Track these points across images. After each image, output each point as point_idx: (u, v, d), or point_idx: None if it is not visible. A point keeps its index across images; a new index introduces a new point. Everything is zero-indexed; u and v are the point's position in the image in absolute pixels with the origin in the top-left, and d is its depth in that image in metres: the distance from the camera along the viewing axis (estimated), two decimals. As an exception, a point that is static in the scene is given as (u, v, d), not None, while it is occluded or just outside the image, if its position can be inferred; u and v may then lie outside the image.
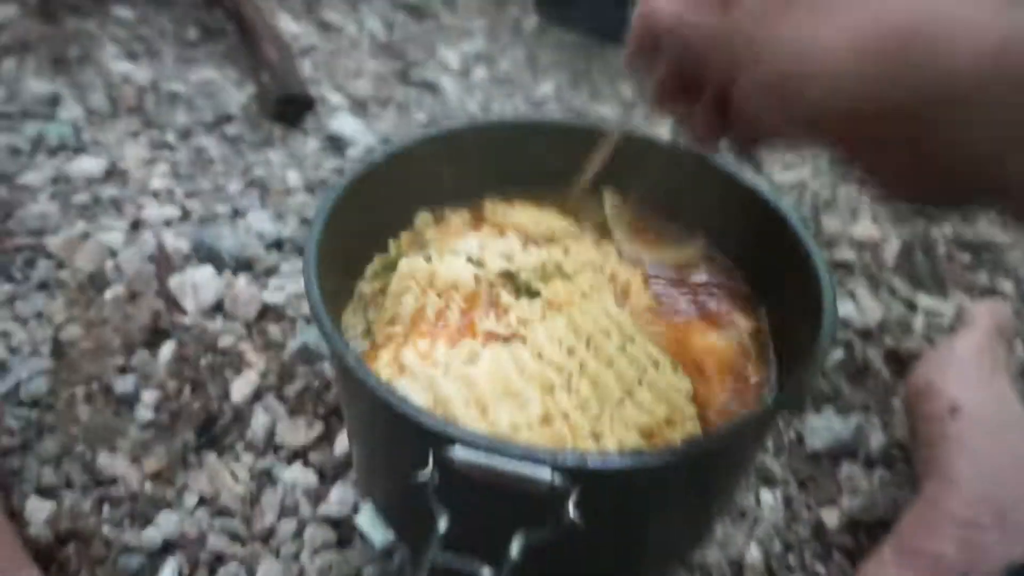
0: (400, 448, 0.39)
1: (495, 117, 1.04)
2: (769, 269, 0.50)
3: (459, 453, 0.34)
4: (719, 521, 0.48)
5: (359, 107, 1.05)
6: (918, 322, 0.76)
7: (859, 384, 0.70)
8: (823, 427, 0.64)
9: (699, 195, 0.54)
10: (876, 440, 0.64)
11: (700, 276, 0.54)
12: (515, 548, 0.32)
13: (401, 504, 0.44)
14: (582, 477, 0.34)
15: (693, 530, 0.45)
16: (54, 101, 0.99)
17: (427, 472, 0.35)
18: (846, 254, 0.83)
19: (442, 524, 0.32)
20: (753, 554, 0.55)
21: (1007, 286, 0.82)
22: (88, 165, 0.90)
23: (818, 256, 0.45)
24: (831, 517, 0.58)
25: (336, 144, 0.97)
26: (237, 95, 1.05)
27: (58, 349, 0.69)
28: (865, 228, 0.86)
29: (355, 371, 0.36)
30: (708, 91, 0.34)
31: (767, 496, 0.59)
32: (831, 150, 0.30)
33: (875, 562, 0.51)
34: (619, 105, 1.11)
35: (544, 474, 0.33)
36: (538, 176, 0.56)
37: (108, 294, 0.74)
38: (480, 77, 1.16)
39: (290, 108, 1.00)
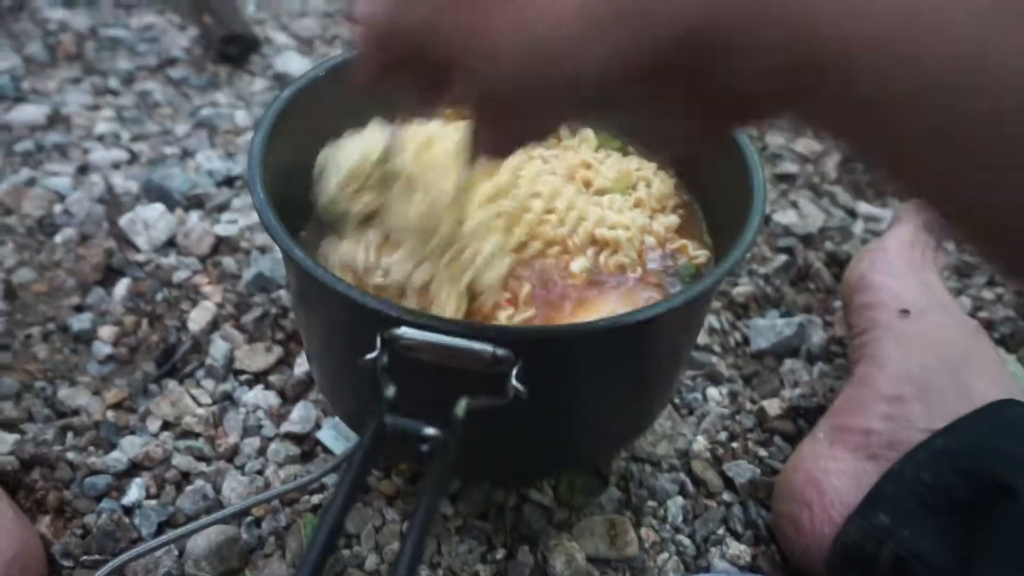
0: (349, 334, 0.41)
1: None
2: (701, 162, 0.52)
3: (405, 333, 0.36)
4: (663, 404, 0.51)
5: (305, 46, 1.04)
6: (857, 228, 0.79)
7: (801, 287, 0.72)
8: (767, 327, 0.67)
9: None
10: (817, 338, 0.67)
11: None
12: (460, 409, 0.34)
13: (355, 396, 0.46)
14: (523, 349, 0.36)
15: (634, 409, 0.47)
16: (-11, 50, 0.97)
17: (375, 353, 0.36)
18: (789, 167, 0.85)
19: (390, 391, 0.34)
20: (700, 443, 0.58)
21: (942, 194, 0.85)
22: (29, 113, 0.88)
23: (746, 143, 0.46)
24: (773, 407, 0.61)
25: (283, 83, 0.96)
26: (180, 38, 1.03)
27: (11, 292, 0.69)
28: (807, 143, 0.89)
29: (300, 262, 0.38)
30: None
31: (713, 392, 0.62)
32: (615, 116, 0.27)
33: (810, 441, 0.54)
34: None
35: (487, 348, 0.35)
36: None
37: (58, 237, 0.74)
38: (427, 14, 1.15)
39: (234, 49, 0.99)
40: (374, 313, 0.36)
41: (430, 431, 0.32)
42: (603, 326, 0.38)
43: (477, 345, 0.35)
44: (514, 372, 0.36)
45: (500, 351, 0.35)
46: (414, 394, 0.35)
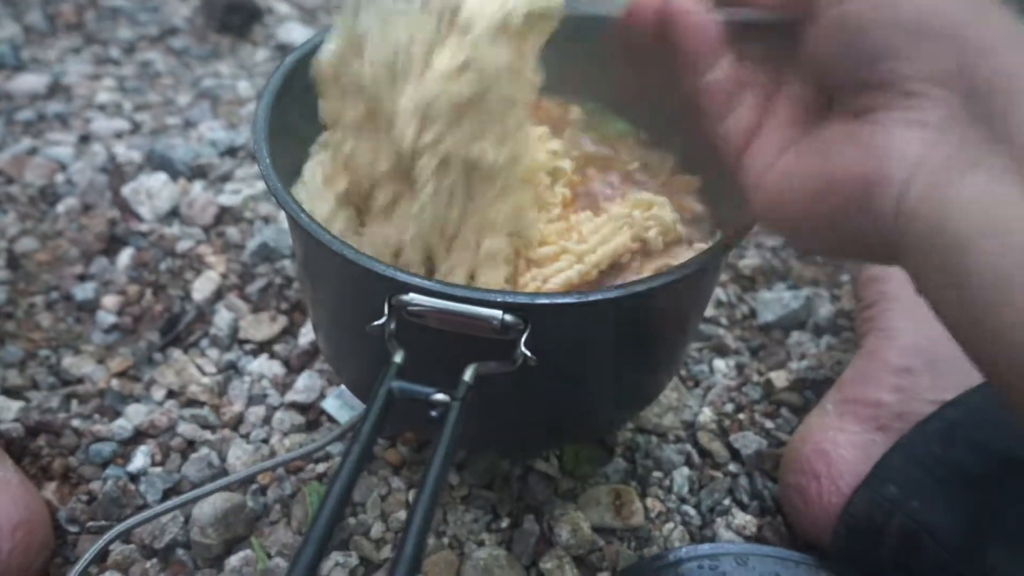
0: (356, 301, 0.40)
1: None
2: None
3: (413, 299, 0.35)
4: (669, 376, 0.50)
5: (308, 16, 1.03)
6: (865, 202, 0.78)
7: (809, 260, 0.72)
8: (774, 300, 0.66)
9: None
10: (825, 310, 0.67)
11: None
12: (468, 374, 0.33)
13: (361, 363, 0.45)
14: (532, 314, 0.35)
15: (642, 379, 0.47)
16: (-12, 18, 0.95)
17: (383, 319, 0.36)
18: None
19: (398, 357, 0.34)
20: (706, 415, 0.58)
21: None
22: (30, 82, 0.87)
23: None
24: (780, 379, 0.60)
25: (286, 53, 0.95)
26: (181, 7, 1.02)
27: (13, 261, 0.68)
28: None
29: (308, 228, 0.37)
30: None
31: (720, 364, 0.62)
32: None
33: (818, 413, 0.54)
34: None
35: (495, 314, 0.35)
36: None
37: (61, 207, 0.73)
38: (431, -16, 1.14)
39: (236, 18, 0.97)
40: (382, 279, 0.35)
41: (439, 396, 0.32)
42: (612, 295, 0.37)
43: (485, 311, 0.35)
44: (523, 339, 0.35)
45: (508, 317, 0.35)
46: (422, 360, 0.34)
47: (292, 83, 0.46)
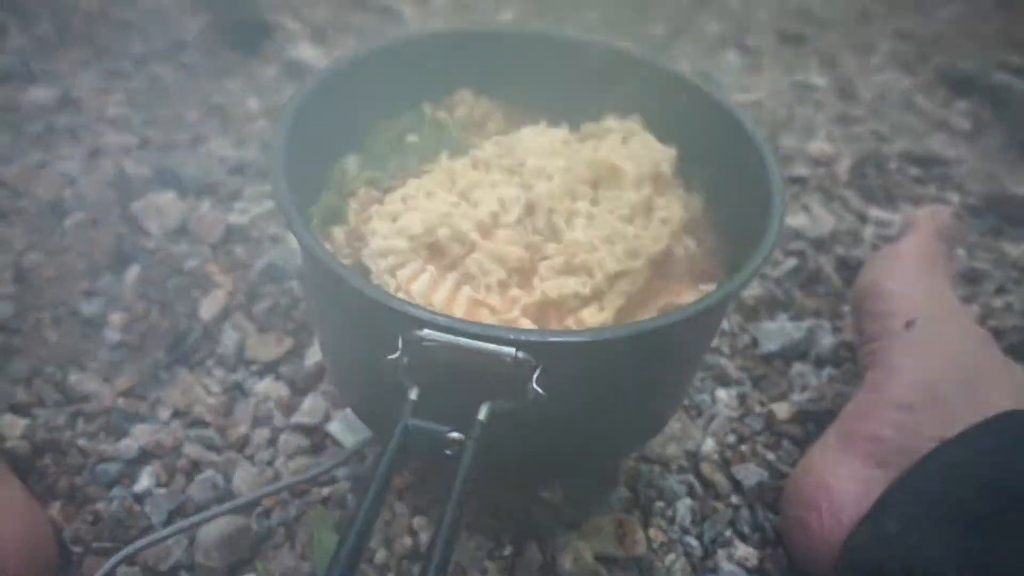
0: (369, 332, 0.41)
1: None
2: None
3: (427, 334, 0.36)
4: (675, 408, 0.51)
5: (318, 33, 1.04)
6: (868, 232, 0.79)
7: (811, 291, 0.72)
8: (776, 331, 0.67)
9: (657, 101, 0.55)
10: (826, 342, 0.67)
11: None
12: (483, 413, 0.34)
13: (370, 389, 0.46)
14: (544, 353, 0.36)
15: (649, 413, 0.47)
16: (-1, 30, 0.96)
17: (397, 354, 0.36)
18: (801, 170, 0.85)
19: (413, 394, 0.34)
20: (709, 445, 0.59)
21: (954, 198, 0.86)
22: (39, 94, 0.88)
23: (763, 145, 0.46)
24: (782, 410, 0.61)
25: (295, 71, 0.96)
26: (190, 22, 1.03)
27: (21, 275, 0.68)
28: (819, 145, 0.89)
29: (324, 261, 0.38)
30: None
31: (722, 393, 0.63)
32: None
33: (820, 446, 0.54)
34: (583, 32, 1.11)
35: (508, 351, 0.35)
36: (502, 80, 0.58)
37: (69, 221, 0.74)
38: (440, 3, 1.15)
39: (246, 35, 0.98)
40: (396, 314, 0.36)
41: (454, 435, 0.32)
42: (623, 333, 0.38)
43: (498, 348, 0.35)
44: (535, 376, 0.36)
45: (521, 355, 0.35)
46: (436, 396, 0.35)
47: (306, 115, 0.47)
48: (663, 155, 0.52)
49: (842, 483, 0.51)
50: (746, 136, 0.50)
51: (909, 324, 0.56)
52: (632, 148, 0.51)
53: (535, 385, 0.36)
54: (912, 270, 0.61)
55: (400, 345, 0.36)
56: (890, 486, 0.49)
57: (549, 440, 0.43)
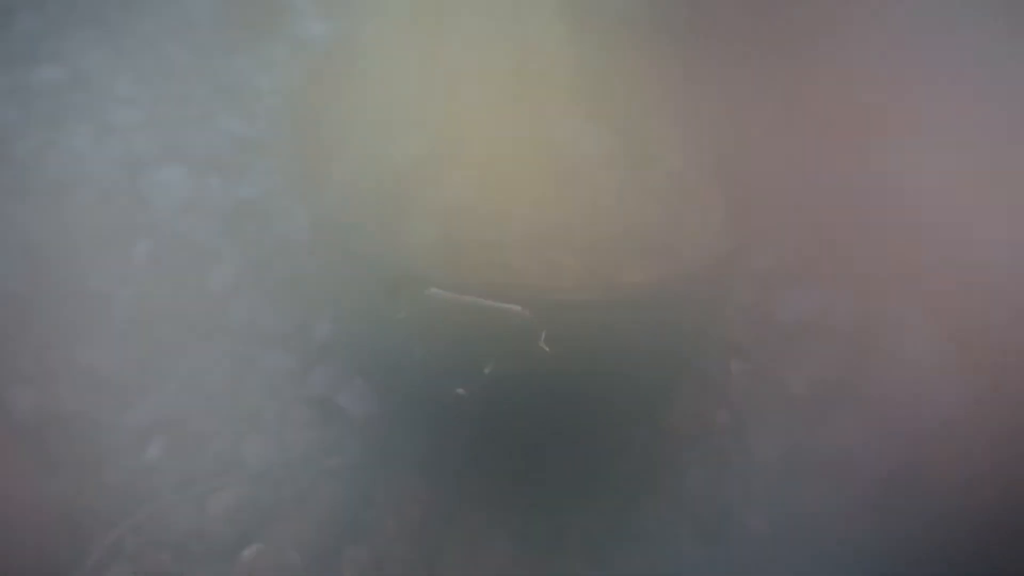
0: (378, 294, 0.40)
1: None
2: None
3: (435, 293, 0.35)
4: (686, 378, 0.50)
5: (327, 11, 1.03)
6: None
7: (826, 263, 0.71)
8: (791, 301, 0.66)
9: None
10: (841, 311, 0.66)
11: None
12: (488, 370, 0.33)
13: (381, 356, 0.45)
14: (551, 313, 0.35)
15: (659, 378, 0.46)
16: (8, 10, 0.96)
17: (404, 313, 0.35)
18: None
19: (419, 352, 0.33)
20: (722, 416, 0.58)
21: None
22: (49, 73, 0.88)
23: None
24: (796, 381, 0.60)
25: (305, 48, 0.95)
26: (201, 1, 1.02)
27: (30, 251, 0.68)
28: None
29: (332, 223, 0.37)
30: None
31: (736, 365, 0.61)
32: None
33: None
34: None
35: (514, 308, 0.34)
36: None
37: (78, 198, 0.74)
38: (449, -19, 1.13)
39: (256, 13, 0.97)
40: (405, 273, 0.35)
41: (458, 391, 0.32)
42: (630, 294, 0.37)
43: (506, 307, 0.35)
44: (543, 336, 0.35)
45: (528, 313, 0.34)
46: (443, 354, 0.34)
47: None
48: None
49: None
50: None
51: None
52: None
53: (542, 344, 0.35)
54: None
55: (408, 304, 0.36)
56: None
57: (555, 403, 0.42)
